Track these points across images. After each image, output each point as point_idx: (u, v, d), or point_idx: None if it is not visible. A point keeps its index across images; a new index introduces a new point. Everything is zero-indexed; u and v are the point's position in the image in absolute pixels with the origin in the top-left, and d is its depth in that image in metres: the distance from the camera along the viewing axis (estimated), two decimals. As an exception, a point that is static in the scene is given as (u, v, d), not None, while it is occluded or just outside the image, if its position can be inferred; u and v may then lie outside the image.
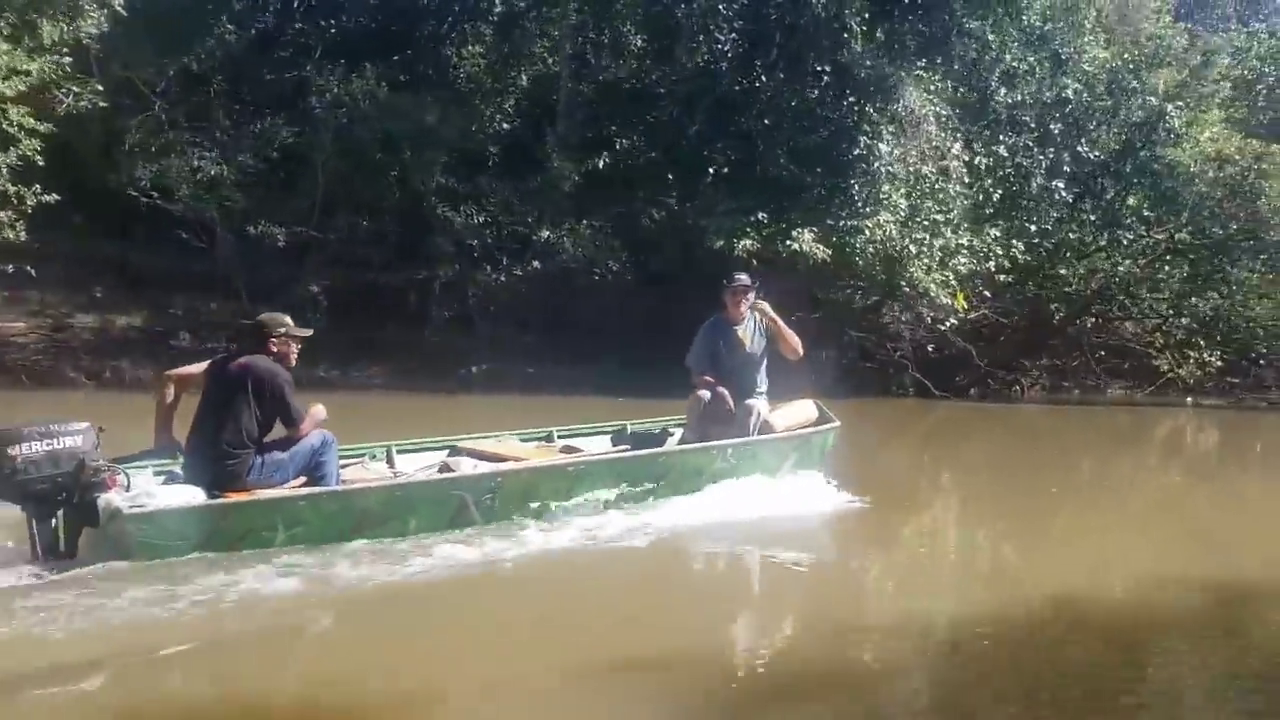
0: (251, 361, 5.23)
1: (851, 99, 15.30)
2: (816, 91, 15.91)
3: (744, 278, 7.21)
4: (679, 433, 7.21)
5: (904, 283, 15.33)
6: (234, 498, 5.04)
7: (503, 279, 15.07)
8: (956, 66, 17.83)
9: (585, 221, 15.13)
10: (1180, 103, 18.15)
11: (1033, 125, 18.16)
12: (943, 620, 4.82)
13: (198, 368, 5.44)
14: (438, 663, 3.99)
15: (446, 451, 6.52)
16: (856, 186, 15.24)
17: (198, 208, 14.15)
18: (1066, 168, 18.02)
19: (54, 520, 4.75)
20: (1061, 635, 4.52)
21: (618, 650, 4.13)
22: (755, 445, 6.80)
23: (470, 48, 16.87)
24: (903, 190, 15.18)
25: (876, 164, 15.18)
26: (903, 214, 15.36)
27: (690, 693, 3.72)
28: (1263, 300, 18.95)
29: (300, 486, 5.31)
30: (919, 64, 16.53)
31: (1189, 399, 18.89)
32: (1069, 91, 17.98)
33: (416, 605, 4.60)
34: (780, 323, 7.05)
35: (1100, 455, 12.16)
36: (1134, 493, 9.32)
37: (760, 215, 15.01)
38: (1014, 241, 17.43)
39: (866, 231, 14.84)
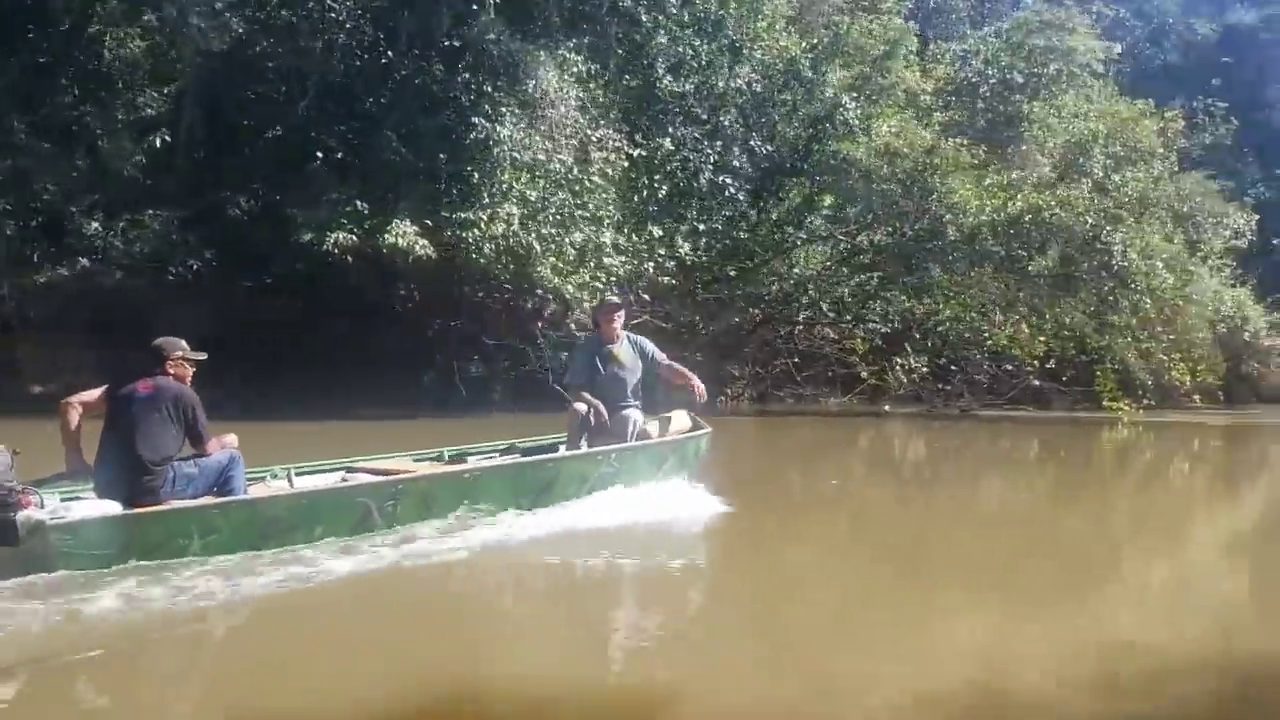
0: (159, 383, 5.53)
1: (467, 76, 13.51)
2: (444, 69, 14.06)
3: (614, 299, 8.03)
4: (562, 448, 7.58)
5: (538, 283, 13.62)
6: (151, 508, 5.29)
7: (42, 280, 12.51)
8: (620, 50, 16.30)
9: (152, 212, 12.73)
10: (855, 93, 17.17)
11: (705, 117, 16.84)
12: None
13: (96, 393, 5.62)
14: (335, 669, 4.12)
15: (343, 471, 6.81)
16: (476, 175, 13.44)
17: None
18: (736, 163, 16.76)
19: None
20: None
21: (509, 653, 4.43)
22: (636, 451, 7.33)
23: (120, 28, 14.35)
24: (526, 179, 13.48)
25: (498, 149, 13.42)
26: (533, 206, 13.64)
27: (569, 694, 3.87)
28: (950, 303, 18.17)
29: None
30: (567, 43, 14.86)
31: (886, 407, 17.96)
32: (742, 82, 16.72)
33: (318, 611, 4.86)
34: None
35: (798, 467, 11.64)
36: (824, 506, 9.00)
37: (361, 205, 12.99)
38: (680, 241, 15.95)
39: (482, 226, 13.04)
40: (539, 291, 14.12)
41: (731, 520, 7.13)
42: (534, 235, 13.61)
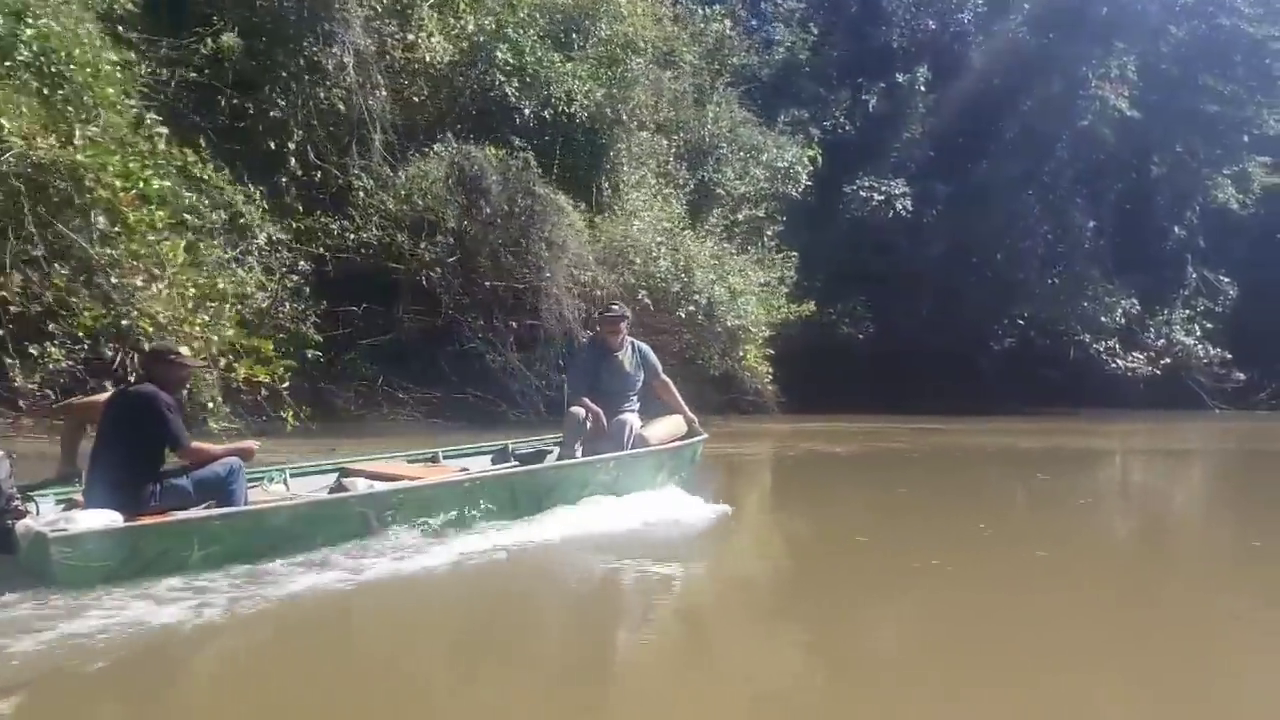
0: (135, 390, 5.75)
1: None
2: None
3: (617, 307, 8.41)
4: (556, 450, 7.96)
5: None
6: (153, 519, 5.47)
7: None
8: None
9: None
10: None
11: None
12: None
13: (100, 398, 6.00)
14: (330, 680, 4.27)
15: (337, 474, 7.04)
16: None
17: None
18: None
19: None
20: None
21: (511, 660, 4.62)
22: (635, 458, 7.70)
23: None
24: None
25: None
26: None
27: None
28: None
29: (208, 508, 5.76)
30: None
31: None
32: None
33: (316, 622, 4.99)
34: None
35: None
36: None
37: None
38: None
39: None
40: None
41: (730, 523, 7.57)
42: None
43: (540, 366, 15.58)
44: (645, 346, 8.23)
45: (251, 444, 6.10)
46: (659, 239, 16.73)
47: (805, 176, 22.47)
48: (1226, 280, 32.35)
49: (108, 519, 5.18)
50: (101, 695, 3.95)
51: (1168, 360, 28.33)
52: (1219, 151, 29.47)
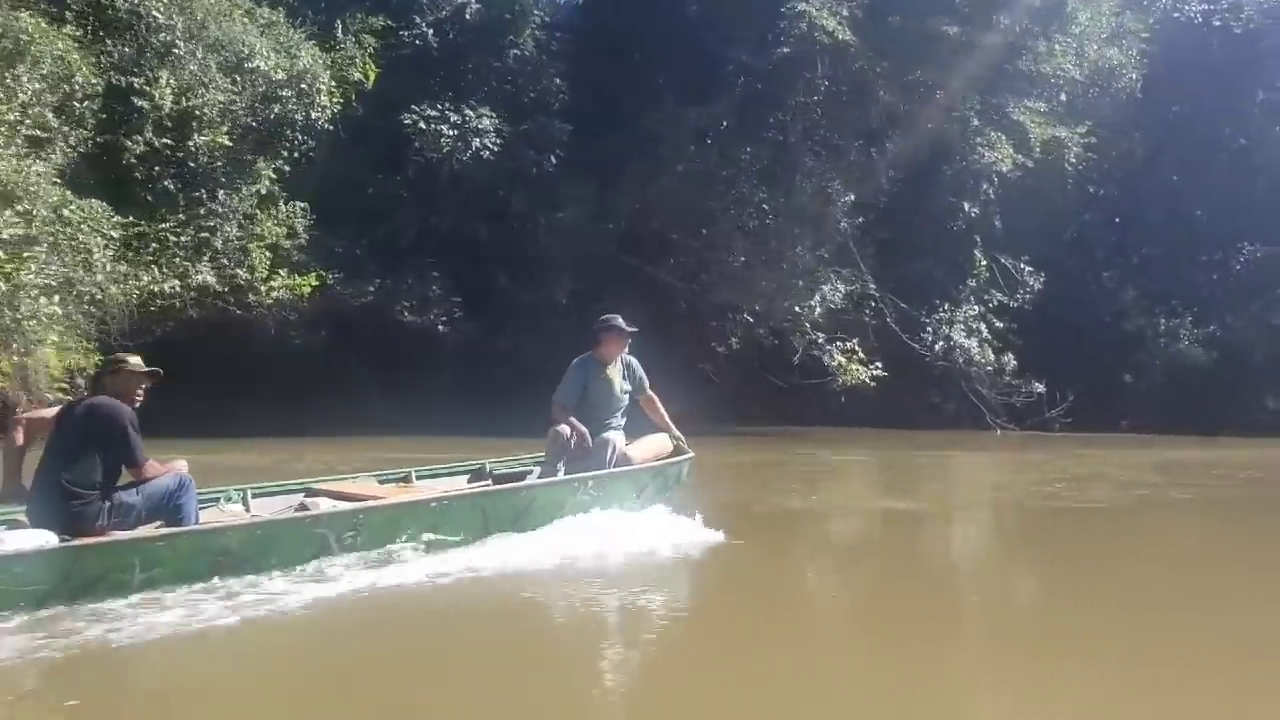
0: (95, 402, 5.60)
1: None
2: None
3: (620, 321, 7.93)
4: (537, 470, 8.00)
5: None
6: (88, 540, 5.35)
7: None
8: None
9: None
10: None
11: None
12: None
13: (50, 411, 5.76)
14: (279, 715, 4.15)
15: (303, 493, 6.98)
16: None
17: None
18: None
19: None
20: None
21: (481, 692, 4.41)
22: (614, 478, 7.55)
23: None
24: None
25: None
26: None
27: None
28: None
29: (157, 528, 5.75)
30: None
31: None
32: None
33: (262, 652, 4.76)
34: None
35: None
36: None
37: None
38: None
39: None
40: None
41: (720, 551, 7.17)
42: None
43: None
44: (634, 360, 7.98)
45: (181, 463, 5.78)
46: None
47: (330, 98, 16.17)
48: (1030, 270, 26.57)
49: (41, 540, 5.15)
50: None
51: (877, 368, 22.21)
52: (995, 100, 23.52)
